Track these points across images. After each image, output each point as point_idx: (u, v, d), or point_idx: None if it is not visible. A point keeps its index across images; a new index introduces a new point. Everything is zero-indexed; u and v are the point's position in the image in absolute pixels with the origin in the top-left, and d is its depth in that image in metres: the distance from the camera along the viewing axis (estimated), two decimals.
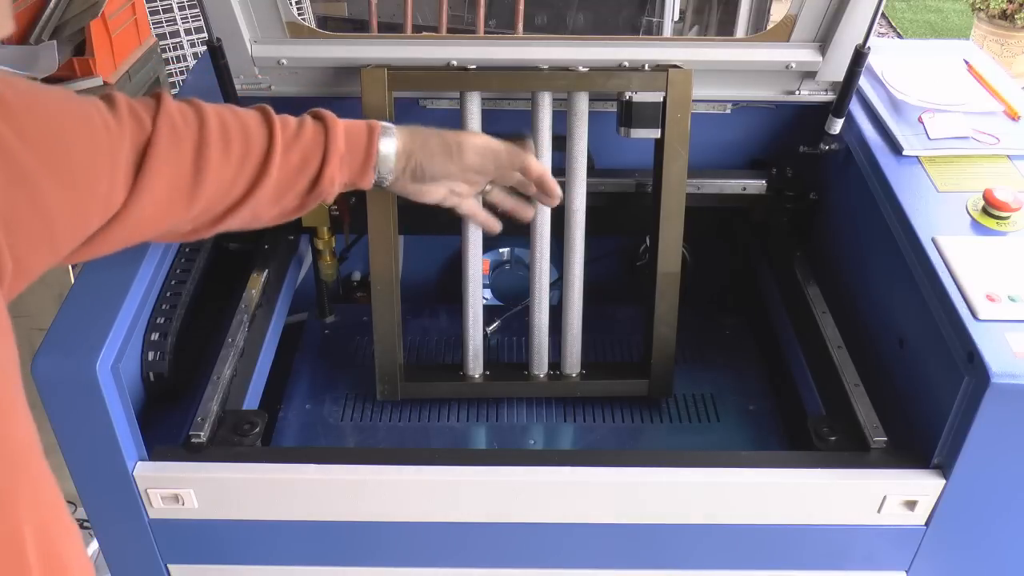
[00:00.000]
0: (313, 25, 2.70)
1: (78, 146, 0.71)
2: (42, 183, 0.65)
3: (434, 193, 1.04)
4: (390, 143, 0.96)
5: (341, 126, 0.93)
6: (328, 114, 0.94)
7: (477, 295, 1.30)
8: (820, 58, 1.30)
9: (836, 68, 1.29)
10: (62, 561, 0.69)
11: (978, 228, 1.12)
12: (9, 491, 0.61)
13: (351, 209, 1.38)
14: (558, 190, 1.11)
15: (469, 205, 1.09)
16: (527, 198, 1.13)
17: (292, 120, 0.92)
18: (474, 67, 1.23)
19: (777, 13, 2.72)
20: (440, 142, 0.99)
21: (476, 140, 1.02)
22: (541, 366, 1.34)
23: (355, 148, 0.93)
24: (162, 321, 1.13)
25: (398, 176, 0.98)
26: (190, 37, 3.04)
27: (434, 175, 0.99)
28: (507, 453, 1.25)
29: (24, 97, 0.65)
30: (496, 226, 1.11)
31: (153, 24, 2.84)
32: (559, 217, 1.26)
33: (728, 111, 1.42)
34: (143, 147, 0.77)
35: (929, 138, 1.27)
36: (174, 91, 2.68)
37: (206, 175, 0.82)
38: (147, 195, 0.77)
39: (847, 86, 1.27)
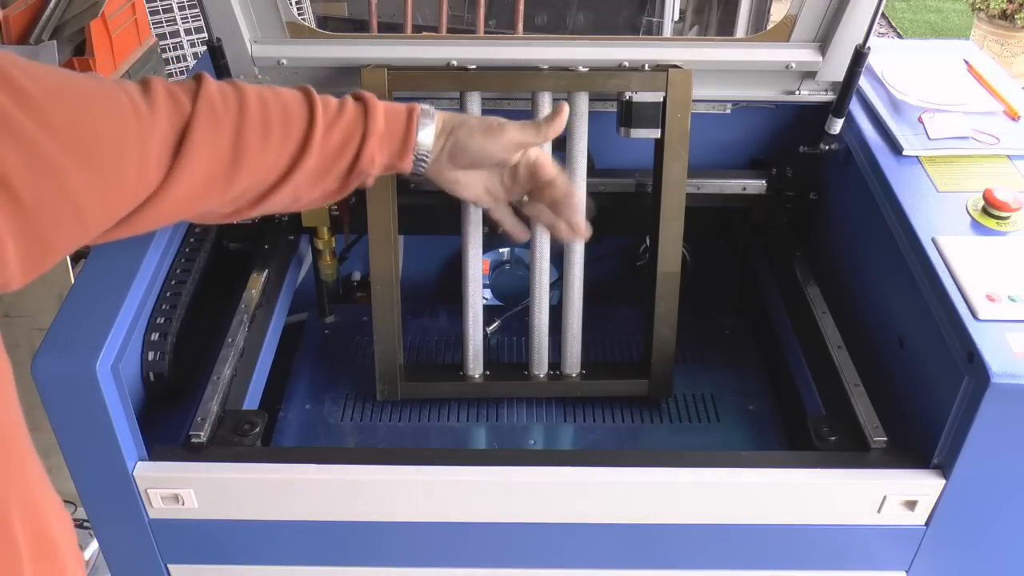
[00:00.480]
0: (313, 25, 2.70)
1: (105, 133, 0.70)
2: (70, 172, 0.66)
3: (471, 188, 1.02)
4: (429, 122, 0.95)
5: (381, 106, 0.93)
6: (368, 95, 0.94)
7: (477, 295, 1.30)
8: (820, 58, 1.30)
9: (836, 68, 1.29)
10: (51, 541, 0.69)
11: (978, 228, 1.12)
12: None
13: (351, 209, 1.38)
14: (579, 232, 1.07)
15: (501, 211, 1.07)
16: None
17: (333, 101, 0.92)
18: (474, 67, 1.23)
19: (777, 13, 2.72)
20: (480, 121, 0.99)
21: (516, 123, 1.01)
22: (541, 366, 1.34)
23: (394, 127, 0.93)
24: (162, 321, 1.13)
25: (437, 156, 0.97)
26: (190, 37, 3.04)
27: (473, 155, 0.98)
28: (507, 453, 1.25)
29: (47, 87, 0.65)
30: (523, 235, 1.09)
31: (153, 24, 2.84)
32: None
33: (728, 111, 1.42)
34: (182, 129, 0.78)
35: (929, 138, 1.27)
36: None
37: (245, 157, 0.82)
38: (184, 177, 0.77)
39: (847, 86, 1.27)
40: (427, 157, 0.96)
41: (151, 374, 1.12)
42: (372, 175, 0.93)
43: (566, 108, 1.01)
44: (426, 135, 0.95)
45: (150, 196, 0.76)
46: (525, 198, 1.06)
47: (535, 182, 1.02)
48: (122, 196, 0.74)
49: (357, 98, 0.93)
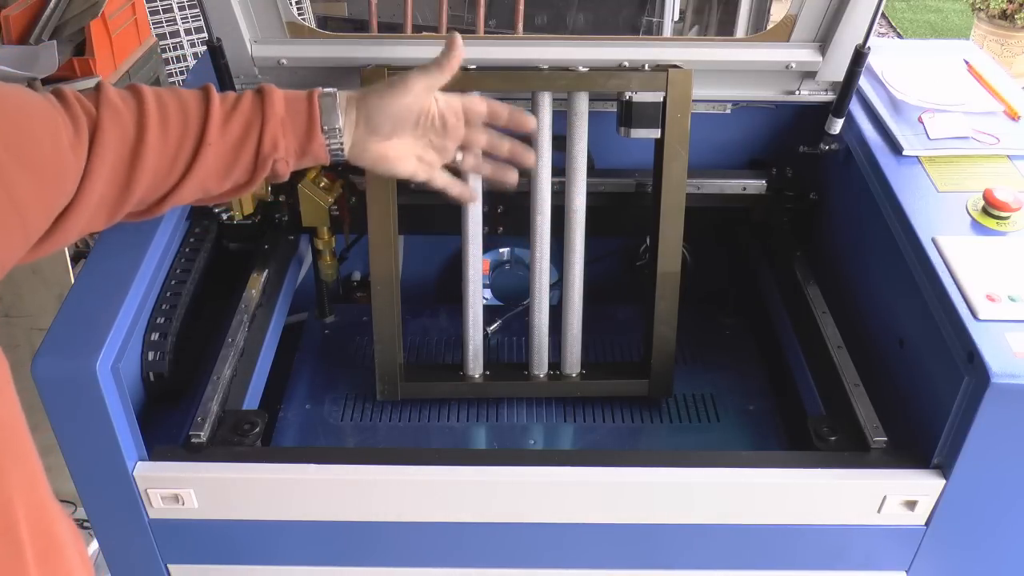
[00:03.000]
0: (313, 25, 2.70)
1: (45, 141, 0.74)
2: (14, 177, 0.68)
3: (404, 161, 1.01)
4: (331, 100, 0.95)
5: (280, 93, 0.94)
6: (268, 85, 0.94)
7: (477, 295, 1.30)
8: (820, 58, 1.29)
9: (836, 68, 1.29)
10: (57, 541, 0.70)
11: (978, 228, 1.12)
12: (1, 468, 0.62)
13: (351, 209, 1.38)
14: (531, 120, 1.06)
15: (442, 177, 1.05)
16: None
17: (232, 94, 0.93)
18: (474, 67, 1.23)
19: (777, 13, 2.72)
20: (386, 83, 0.98)
21: (417, 68, 0.99)
22: (541, 366, 1.34)
23: (295, 109, 0.93)
24: (162, 321, 1.13)
25: (354, 133, 0.96)
26: (190, 37, 3.04)
27: (391, 116, 0.96)
28: (507, 453, 1.25)
29: None
30: (472, 195, 1.09)
31: (153, 24, 2.84)
32: (559, 217, 1.26)
33: (728, 111, 1.42)
34: (91, 134, 0.80)
35: (929, 138, 1.27)
36: None
37: (146, 155, 0.84)
38: (95, 179, 0.80)
39: (847, 86, 1.27)
40: (339, 134, 0.95)
41: (151, 374, 1.12)
42: (283, 162, 0.93)
43: (458, 36, 1.00)
44: (330, 112, 0.94)
45: (72, 201, 0.78)
46: (459, 157, 1.05)
47: (470, 123, 1.01)
48: (58, 203, 0.77)
49: (258, 90, 0.93)
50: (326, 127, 0.94)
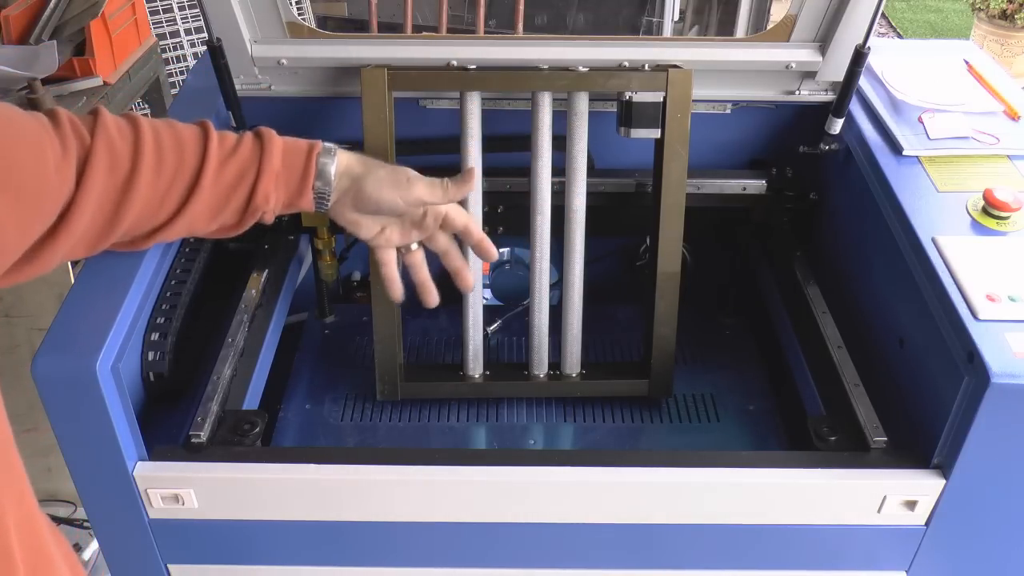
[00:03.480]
0: (313, 25, 2.70)
1: (25, 159, 0.72)
2: None
3: (370, 231, 1.02)
4: (330, 162, 0.95)
5: (279, 143, 0.93)
6: (267, 131, 0.93)
7: (477, 295, 1.30)
8: (820, 58, 1.30)
9: (836, 68, 1.29)
10: (48, 556, 0.69)
11: (978, 228, 1.12)
12: None
13: None
14: (492, 251, 1.09)
15: (390, 255, 1.06)
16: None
17: (231, 136, 0.92)
18: (474, 67, 1.23)
19: (777, 13, 2.72)
20: (389, 172, 0.98)
21: (425, 180, 1.01)
22: (541, 366, 1.34)
23: (292, 166, 0.93)
24: (162, 321, 1.13)
25: (340, 198, 0.97)
26: (190, 37, 3.04)
27: (379, 205, 0.98)
28: (507, 453, 1.25)
29: None
30: (398, 294, 1.09)
31: (153, 24, 2.84)
32: (559, 217, 1.26)
33: (728, 111, 1.42)
34: (83, 162, 0.79)
35: (929, 138, 1.27)
36: (174, 91, 2.68)
37: (137, 190, 0.83)
38: (82, 209, 0.79)
39: (847, 86, 1.27)
40: (327, 196, 0.95)
41: (151, 374, 1.12)
42: (270, 212, 0.93)
43: (475, 172, 1.02)
44: (326, 174, 0.95)
45: (53, 228, 0.77)
46: (414, 247, 1.06)
47: (445, 230, 1.04)
48: (36, 227, 0.75)
49: (258, 135, 0.93)
50: (318, 187, 0.95)
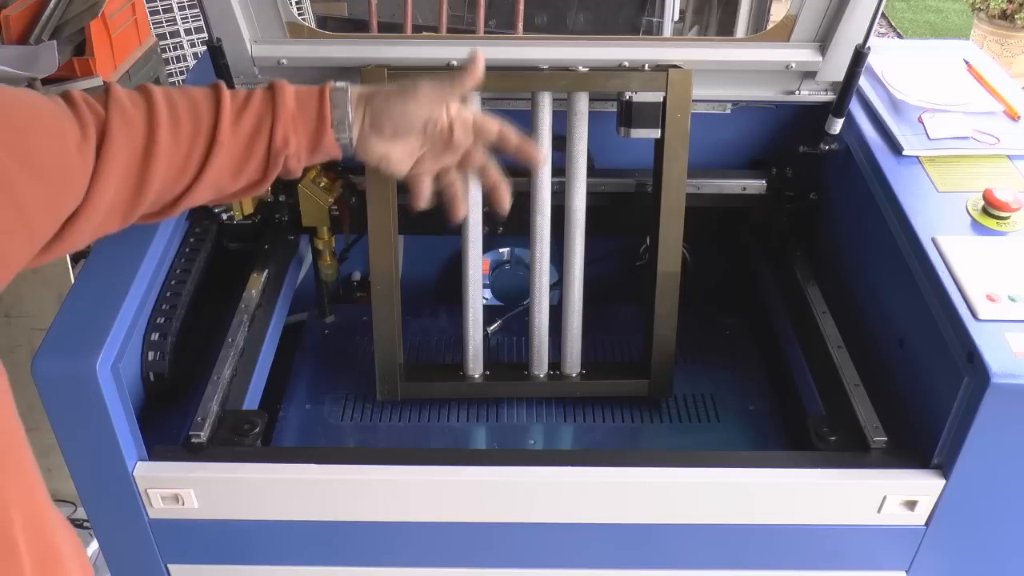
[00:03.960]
0: (313, 25, 2.70)
1: (50, 143, 0.73)
2: (18, 179, 0.67)
3: (401, 160, 0.99)
4: (343, 96, 0.94)
5: (291, 88, 0.93)
6: (279, 81, 0.94)
7: (477, 295, 1.30)
8: (820, 58, 1.29)
9: (836, 68, 1.29)
10: (56, 552, 0.69)
11: (978, 228, 1.12)
12: None
13: (351, 209, 1.38)
14: (539, 156, 1.05)
15: (427, 184, 1.02)
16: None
17: (242, 91, 0.92)
18: None
19: (777, 13, 2.72)
20: (398, 84, 0.97)
21: (432, 78, 0.98)
22: (541, 366, 1.34)
23: (307, 105, 0.93)
24: (162, 321, 1.13)
25: (361, 129, 0.95)
26: (190, 37, 3.04)
27: (395, 118, 0.95)
28: (507, 453, 1.25)
29: None
30: (464, 210, 1.05)
31: (153, 24, 2.84)
32: (559, 217, 1.26)
33: (728, 111, 1.42)
34: (100, 134, 0.80)
35: (929, 138, 1.27)
36: None
37: (158, 155, 0.84)
38: (105, 182, 0.79)
39: (847, 86, 1.27)
40: (349, 129, 0.94)
41: (151, 374, 1.12)
42: (295, 159, 0.92)
43: (482, 55, 0.98)
44: (341, 107, 0.93)
45: (80, 205, 0.77)
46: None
47: (476, 140, 1.00)
48: (64, 206, 0.76)
49: (269, 86, 0.93)
50: (336, 122, 0.93)
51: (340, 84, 0.95)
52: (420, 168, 1.00)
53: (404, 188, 1.29)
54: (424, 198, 1.03)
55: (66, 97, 0.80)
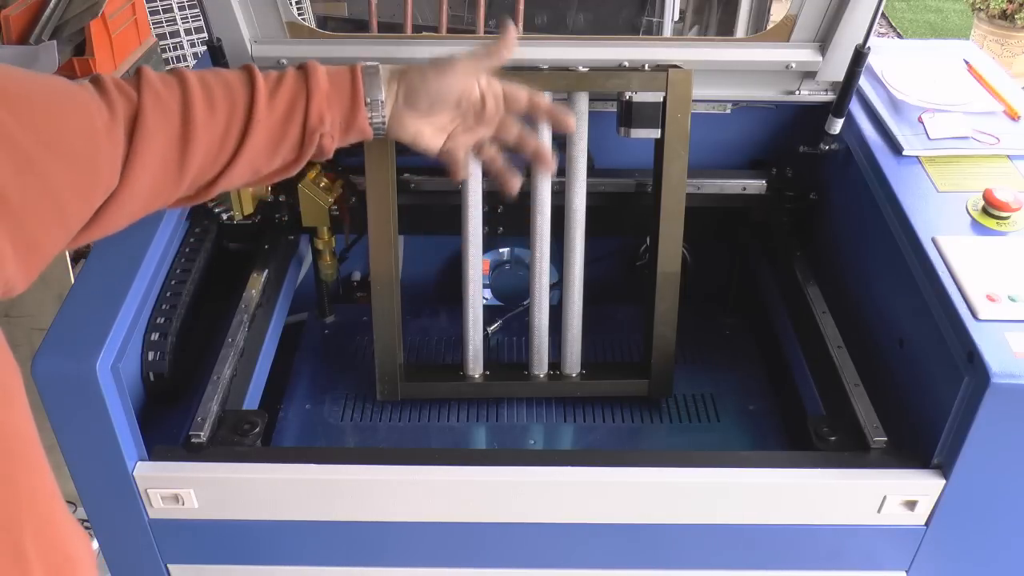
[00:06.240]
0: (313, 25, 2.70)
1: (77, 128, 0.73)
2: (47, 165, 0.67)
3: (434, 136, 1.00)
4: (375, 73, 0.95)
5: (323, 68, 0.94)
6: (311, 61, 0.94)
7: (477, 295, 1.30)
8: (820, 58, 1.29)
9: (836, 68, 1.29)
10: (67, 557, 0.69)
11: (978, 228, 1.12)
12: (7, 478, 0.61)
13: (351, 209, 1.38)
14: (571, 119, 1.07)
15: (462, 159, 1.03)
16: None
17: (274, 72, 0.93)
18: None
19: (777, 13, 2.72)
20: (431, 60, 0.97)
21: (466, 52, 0.98)
22: (541, 366, 1.34)
23: (340, 83, 0.93)
24: (162, 321, 1.13)
25: (393, 106, 0.96)
26: (190, 37, 3.04)
27: (430, 94, 0.96)
28: (507, 453, 1.25)
29: (21, 85, 0.67)
30: (461, 172, 1.05)
31: (153, 24, 2.84)
32: (559, 217, 1.26)
33: (728, 111, 1.42)
34: (132, 120, 0.80)
35: (929, 138, 1.27)
36: None
37: (196, 136, 0.84)
38: (141, 166, 0.79)
39: (847, 86, 1.27)
40: (382, 107, 0.94)
41: (151, 374, 1.12)
42: (329, 136, 0.92)
43: (513, 27, 0.98)
44: (374, 85, 0.94)
45: (115, 190, 0.77)
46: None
47: (508, 111, 1.00)
48: (97, 188, 0.76)
49: (300, 67, 0.93)
50: (369, 99, 0.94)
51: (371, 64, 0.95)
52: (453, 143, 1.01)
53: (404, 188, 1.29)
54: (462, 169, 1.03)
55: (95, 82, 0.79)
